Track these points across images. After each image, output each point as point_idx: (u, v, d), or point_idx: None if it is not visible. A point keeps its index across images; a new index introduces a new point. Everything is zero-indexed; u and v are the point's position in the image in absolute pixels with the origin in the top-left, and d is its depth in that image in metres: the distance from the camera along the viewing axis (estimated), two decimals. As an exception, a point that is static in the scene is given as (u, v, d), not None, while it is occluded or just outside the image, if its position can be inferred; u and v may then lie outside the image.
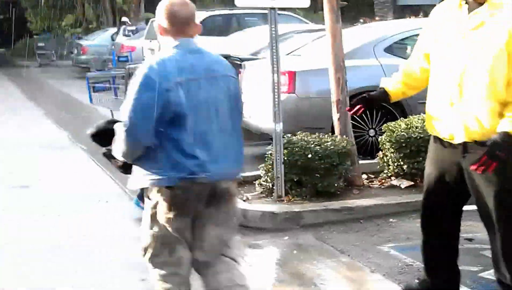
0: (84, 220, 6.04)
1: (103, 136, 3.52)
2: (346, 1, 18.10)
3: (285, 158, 6.14)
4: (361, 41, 8.42)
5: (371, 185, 6.59)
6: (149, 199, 3.38)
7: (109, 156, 3.51)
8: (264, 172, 6.35)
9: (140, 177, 3.35)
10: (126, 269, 4.88)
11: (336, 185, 6.20)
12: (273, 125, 6.25)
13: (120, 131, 3.32)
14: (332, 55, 6.56)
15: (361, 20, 18.84)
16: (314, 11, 21.95)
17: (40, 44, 25.84)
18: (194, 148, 3.31)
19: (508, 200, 3.66)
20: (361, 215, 5.89)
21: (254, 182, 6.59)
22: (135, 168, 3.39)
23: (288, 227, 5.78)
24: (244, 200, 6.23)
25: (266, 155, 6.41)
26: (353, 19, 18.88)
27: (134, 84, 3.31)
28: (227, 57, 10.70)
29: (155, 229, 3.38)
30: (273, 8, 6.28)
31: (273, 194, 6.21)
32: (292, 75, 7.96)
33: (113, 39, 22.73)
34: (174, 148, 3.30)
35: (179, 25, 3.46)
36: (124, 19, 24.65)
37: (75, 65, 23.25)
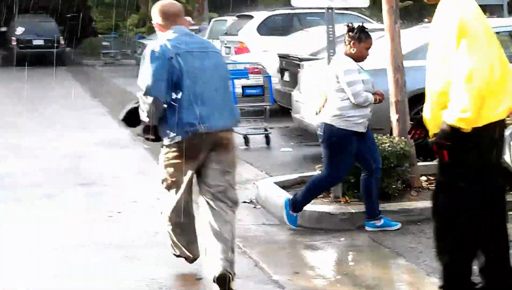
0: (149, 218, 6.12)
1: (133, 117, 4.51)
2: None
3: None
4: (422, 41, 8.30)
5: (430, 187, 6.50)
6: (163, 148, 4.43)
7: (143, 133, 4.47)
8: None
9: (163, 137, 4.38)
10: (191, 265, 4.93)
11: (394, 186, 6.15)
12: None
13: (141, 97, 4.32)
14: (391, 56, 6.50)
15: (426, 20, 18.58)
16: (380, 10, 21.69)
17: (105, 44, 26.29)
18: (194, 104, 4.33)
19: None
20: (419, 217, 5.81)
21: (311, 182, 6.59)
22: (159, 129, 4.39)
23: (345, 228, 5.77)
24: (300, 200, 6.23)
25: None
26: (418, 19, 18.63)
27: (145, 61, 4.33)
28: (285, 57, 10.86)
29: (167, 172, 4.44)
30: (331, 8, 6.25)
31: (330, 194, 6.19)
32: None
33: (175, 39, 22.93)
34: (180, 106, 4.31)
35: (171, 19, 4.49)
36: (187, 18, 24.90)
37: (138, 64, 23.53)
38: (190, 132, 4.30)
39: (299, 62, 9.59)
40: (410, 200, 6.17)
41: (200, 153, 4.39)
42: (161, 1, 4.60)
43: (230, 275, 4.24)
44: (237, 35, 15.08)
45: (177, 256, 4.78)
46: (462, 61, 3.76)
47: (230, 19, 17.60)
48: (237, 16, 16.65)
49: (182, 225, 4.58)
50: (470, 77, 3.73)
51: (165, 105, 4.34)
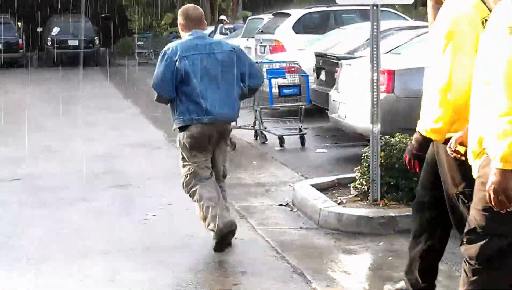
0: (184, 222, 6.00)
1: None
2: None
3: (382, 161, 5.92)
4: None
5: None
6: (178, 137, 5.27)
7: None
8: (359, 174, 6.15)
9: (173, 120, 5.28)
10: (227, 270, 4.81)
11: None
12: (370, 126, 6.04)
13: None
14: (433, 54, 6.26)
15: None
16: (414, 7, 21.39)
17: (139, 43, 26.33)
18: (198, 99, 5.15)
19: None
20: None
21: (348, 185, 6.41)
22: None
23: (384, 232, 5.58)
24: (338, 203, 6.05)
25: (362, 157, 6.20)
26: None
27: (158, 60, 5.21)
28: (322, 55, 10.66)
29: (182, 159, 5.27)
30: (376, 5, 6.06)
31: (368, 197, 6.00)
32: (391, 74, 7.73)
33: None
34: (186, 99, 5.17)
35: (193, 22, 5.35)
36: (222, 17, 24.81)
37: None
38: (195, 121, 5.16)
39: (336, 61, 9.40)
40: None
41: (208, 141, 5.24)
42: (187, 5, 5.59)
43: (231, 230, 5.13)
44: (273, 33, 14.92)
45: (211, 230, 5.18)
46: (443, 68, 3.54)
47: (266, 17, 17.45)
48: (273, 14, 16.49)
49: (201, 189, 5.22)
50: (448, 87, 3.52)
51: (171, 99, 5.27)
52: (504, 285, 3.29)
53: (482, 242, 3.21)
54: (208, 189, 5.20)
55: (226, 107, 5.24)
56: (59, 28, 23.92)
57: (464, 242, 3.28)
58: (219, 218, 5.05)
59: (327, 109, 9.15)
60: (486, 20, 3.40)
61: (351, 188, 6.29)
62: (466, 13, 3.59)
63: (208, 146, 5.23)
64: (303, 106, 9.52)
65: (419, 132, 3.74)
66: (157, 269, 4.96)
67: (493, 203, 3.01)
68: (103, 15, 31.10)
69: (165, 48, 5.26)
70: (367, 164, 6.06)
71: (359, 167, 6.18)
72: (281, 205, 6.44)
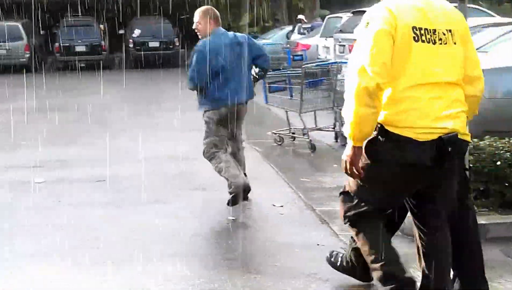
0: (265, 227, 5.91)
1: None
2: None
3: (471, 165, 5.67)
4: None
5: None
6: (203, 117, 6.62)
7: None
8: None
9: (201, 105, 6.61)
10: (309, 277, 4.68)
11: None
12: (457, 129, 5.78)
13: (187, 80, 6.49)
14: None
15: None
16: (498, 4, 20.73)
17: (218, 44, 26.43)
18: (223, 87, 6.37)
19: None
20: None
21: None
22: (197, 99, 6.64)
23: (474, 240, 5.32)
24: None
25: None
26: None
27: (194, 57, 6.32)
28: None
29: (206, 135, 6.60)
30: (463, 1, 5.81)
31: (456, 203, 5.75)
32: (477, 73, 7.40)
33: (288, 38, 22.72)
34: (214, 87, 6.38)
35: (214, 20, 6.51)
36: (299, 16, 24.67)
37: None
38: (222, 104, 6.40)
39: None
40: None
41: (230, 120, 6.47)
42: (206, 6, 6.61)
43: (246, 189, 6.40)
44: (352, 32, 14.67)
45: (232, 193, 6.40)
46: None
47: (344, 16, 17.22)
48: (352, 13, 16.23)
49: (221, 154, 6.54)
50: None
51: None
52: (379, 238, 3.86)
53: (350, 204, 3.87)
54: (225, 154, 6.54)
55: (242, 91, 6.48)
56: (140, 30, 24.29)
57: (340, 203, 3.96)
58: (237, 177, 6.33)
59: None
60: None
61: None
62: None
63: (228, 124, 6.51)
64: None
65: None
66: (234, 274, 4.88)
67: (344, 171, 3.68)
68: (183, 16, 31.43)
69: (198, 45, 6.40)
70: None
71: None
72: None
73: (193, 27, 6.65)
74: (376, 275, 3.96)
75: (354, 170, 3.64)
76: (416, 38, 3.50)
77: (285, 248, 5.25)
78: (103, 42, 25.27)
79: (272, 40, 23.21)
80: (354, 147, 3.59)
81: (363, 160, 3.66)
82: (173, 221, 6.26)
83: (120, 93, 16.67)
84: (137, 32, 24.72)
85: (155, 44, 25.31)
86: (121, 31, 28.05)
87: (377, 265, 3.91)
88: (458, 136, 3.58)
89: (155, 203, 6.82)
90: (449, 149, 3.52)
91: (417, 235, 3.89)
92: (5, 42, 23.75)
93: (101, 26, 26.38)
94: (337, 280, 4.68)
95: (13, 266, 5.19)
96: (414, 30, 3.50)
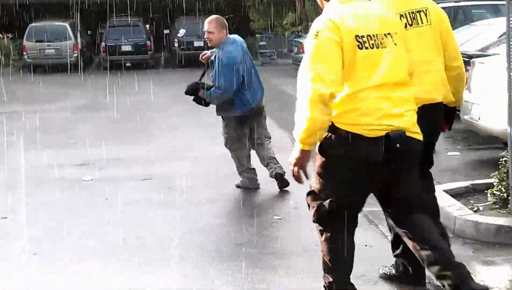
0: (311, 226, 5.87)
1: (192, 91, 7.10)
2: None
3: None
4: None
5: None
6: (223, 119, 7.17)
7: (196, 100, 7.17)
8: (497, 180, 5.80)
9: (225, 111, 7.04)
10: (357, 278, 4.63)
11: None
12: (507, 128, 5.69)
13: (214, 93, 6.91)
14: None
15: None
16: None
17: (262, 43, 26.46)
18: (247, 93, 6.92)
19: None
20: None
21: (485, 191, 6.07)
22: (217, 105, 7.08)
23: (527, 244, 5.23)
24: (475, 211, 5.74)
25: (500, 162, 5.85)
26: None
27: (221, 66, 6.72)
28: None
29: (230, 134, 7.10)
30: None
31: (508, 205, 5.65)
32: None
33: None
34: (240, 94, 6.89)
35: (226, 29, 6.91)
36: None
37: (294, 63, 23.55)
38: (247, 108, 6.91)
39: (468, 59, 8.98)
40: None
41: (252, 120, 7.04)
42: (216, 15, 7.09)
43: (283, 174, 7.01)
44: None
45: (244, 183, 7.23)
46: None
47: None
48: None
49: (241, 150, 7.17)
50: None
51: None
52: (340, 241, 3.91)
53: (318, 202, 3.89)
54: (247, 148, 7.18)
55: (259, 93, 7.06)
56: (185, 30, 24.43)
57: (308, 202, 3.98)
58: (276, 168, 7.06)
59: (458, 110, 8.75)
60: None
61: (488, 195, 5.95)
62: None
63: (254, 124, 7.06)
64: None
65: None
66: (282, 275, 4.87)
67: (292, 173, 3.78)
68: (227, 16, 31.51)
69: (227, 56, 6.77)
70: (505, 170, 5.71)
71: (496, 173, 5.84)
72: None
73: (205, 36, 6.95)
74: (325, 279, 4.05)
75: (301, 174, 3.75)
76: (360, 46, 3.69)
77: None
78: (148, 42, 25.50)
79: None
80: (302, 150, 3.70)
81: (318, 159, 3.82)
82: (222, 220, 6.27)
83: (167, 92, 16.77)
84: (182, 32, 24.85)
85: (200, 43, 25.41)
86: (166, 31, 28.27)
87: (327, 275, 4.02)
88: (406, 134, 3.71)
89: (207, 203, 6.83)
90: (397, 145, 3.66)
91: (396, 227, 4.03)
92: (54, 42, 24.16)
93: (147, 26, 26.61)
94: (386, 282, 4.63)
95: (62, 266, 5.26)
96: (357, 38, 3.69)
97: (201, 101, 7.09)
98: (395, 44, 3.79)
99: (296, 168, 3.73)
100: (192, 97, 7.12)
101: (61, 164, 8.83)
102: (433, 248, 3.84)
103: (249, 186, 7.18)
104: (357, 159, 3.70)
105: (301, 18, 29.82)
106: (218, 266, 5.09)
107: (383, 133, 3.68)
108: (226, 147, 7.25)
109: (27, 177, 8.14)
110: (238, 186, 7.24)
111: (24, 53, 24.39)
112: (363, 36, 3.70)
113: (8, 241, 5.86)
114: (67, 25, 24.67)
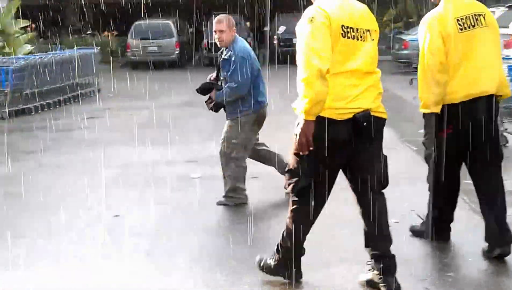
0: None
1: (204, 90, 6.85)
2: None
3: None
4: None
5: None
6: (235, 120, 6.74)
7: (207, 103, 6.88)
8: None
9: (238, 111, 6.71)
10: None
11: None
12: None
13: (228, 89, 6.68)
14: None
15: None
16: None
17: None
18: (259, 91, 6.75)
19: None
20: None
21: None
22: (230, 107, 6.76)
23: None
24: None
25: None
26: None
27: (237, 61, 6.57)
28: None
29: (242, 135, 6.74)
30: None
31: None
32: None
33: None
34: (254, 92, 6.69)
35: (235, 29, 6.75)
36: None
37: (395, 60, 23.10)
38: (260, 107, 6.75)
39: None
40: None
41: (263, 120, 6.86)
42: (226, 14, 6.86)
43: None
44: (507, 27, 13.99)
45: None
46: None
47: (497, 11, 16.46)
48: (507, 7, 15.49)
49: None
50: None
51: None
52: (313, 214, 4.40)
53: (295, 179, 4.34)
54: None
55: (266, 92, 6.97)
56: (285, 27, 24.40)
57: (286, 179, 4.41)
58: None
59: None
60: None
61: None
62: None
63: (262, 124, 6.92)
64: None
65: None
66: (403, 281, 4.65)
67: (297, 144, 4.14)
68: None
69: (243, 51, 6.63)
70: None
71: None
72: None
73: (215, 36, 6.68)
74: (275, 257, 4.61)
75: (306, 142, 4.12)
76: (344, 35, 4.19)
77: (458, 257, 4.99)
78: (249, 39, 25.58)
79: (418, 36, 22.51)
80: (307, 120, 4.09)
81: (295, 140, 4.23)
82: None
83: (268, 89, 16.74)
84: (281, 29, 24.85)
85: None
86: (266, 28, 28.32)
87: (280, 255, 4.57)
88: (371, 113, 4.25)
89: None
90: (364, 124, 4.20)
91: (358, 202, 4.48)
92: (157, 39, 24.63)
93: (247, 23, 26.74)
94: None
95: (174, 266, 5.24)
96: (343, 27, 4.19)
97: (212, 103, 6.81)
98: (372, 39, 4.33)
99: (304, 138, 4.11)
100: (206, 97, 6.87)
101: (169, 161, 8.91)
102: (379, 235, 4.40)
103: (244, 201, 6.80)
104: (330, 140, 4.18)
105: (401, 14, 29.26)
106: (331, 271, 4.92)
107: (351, 115, 4.21)
108: (224, 155, 6.82)
109: (137, 173, 8.25)
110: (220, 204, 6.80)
111: (128, 50, 24.99)
112: (348, 27, 4.20)
113: (120, 240, 5.83)
114: (171, 23, 25.09)
